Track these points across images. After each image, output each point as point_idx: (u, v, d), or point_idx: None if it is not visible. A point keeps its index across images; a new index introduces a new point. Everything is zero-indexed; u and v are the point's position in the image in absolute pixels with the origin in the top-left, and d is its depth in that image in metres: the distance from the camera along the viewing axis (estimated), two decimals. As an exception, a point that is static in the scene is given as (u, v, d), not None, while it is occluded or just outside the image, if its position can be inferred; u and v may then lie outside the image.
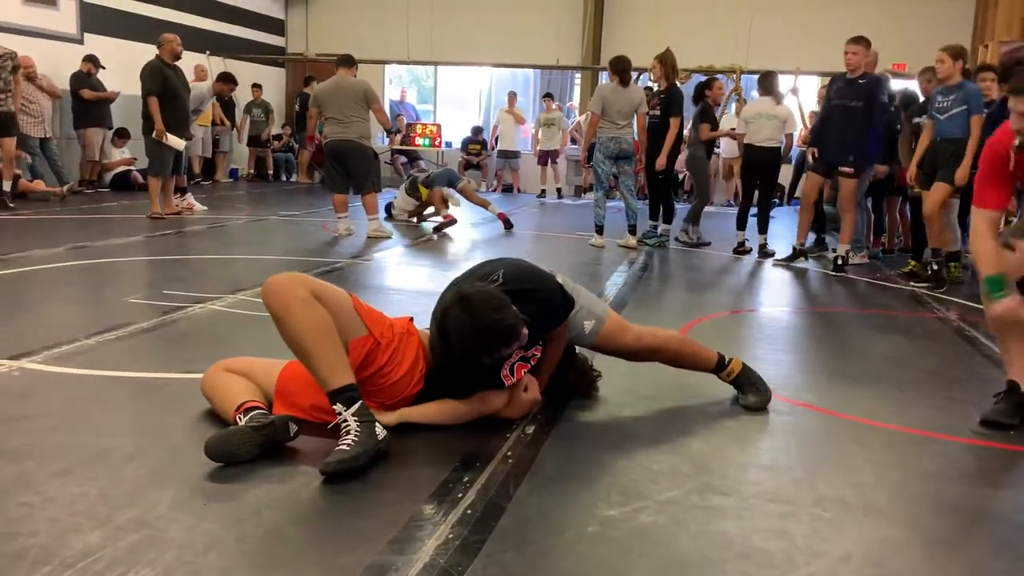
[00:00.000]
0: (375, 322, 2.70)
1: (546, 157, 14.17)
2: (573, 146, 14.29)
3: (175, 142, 8.42)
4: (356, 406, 2.45)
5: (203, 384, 2.87)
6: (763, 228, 7.78)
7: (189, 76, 9.69)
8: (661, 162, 7.85)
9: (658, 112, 7.91)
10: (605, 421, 3.08)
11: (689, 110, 8.41)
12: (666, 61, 7.88)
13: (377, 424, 2.49)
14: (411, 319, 2.92)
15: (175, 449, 2.57)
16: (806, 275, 6.89)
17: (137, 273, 5.90)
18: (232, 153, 14.16)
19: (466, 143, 15.13)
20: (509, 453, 2.64)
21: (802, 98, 10.72)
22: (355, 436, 2.41)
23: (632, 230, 7.86)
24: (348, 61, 7.89)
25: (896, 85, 8.72)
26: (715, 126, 8.43)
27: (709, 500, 2.37)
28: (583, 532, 2.15)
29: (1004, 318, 3.06)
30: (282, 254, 6.64)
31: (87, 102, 10.65)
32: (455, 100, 16.97)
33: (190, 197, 9.34)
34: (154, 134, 8.24)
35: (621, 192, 7.98)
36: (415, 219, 9.33)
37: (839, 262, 6.95)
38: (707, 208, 8.93)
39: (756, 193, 7.97)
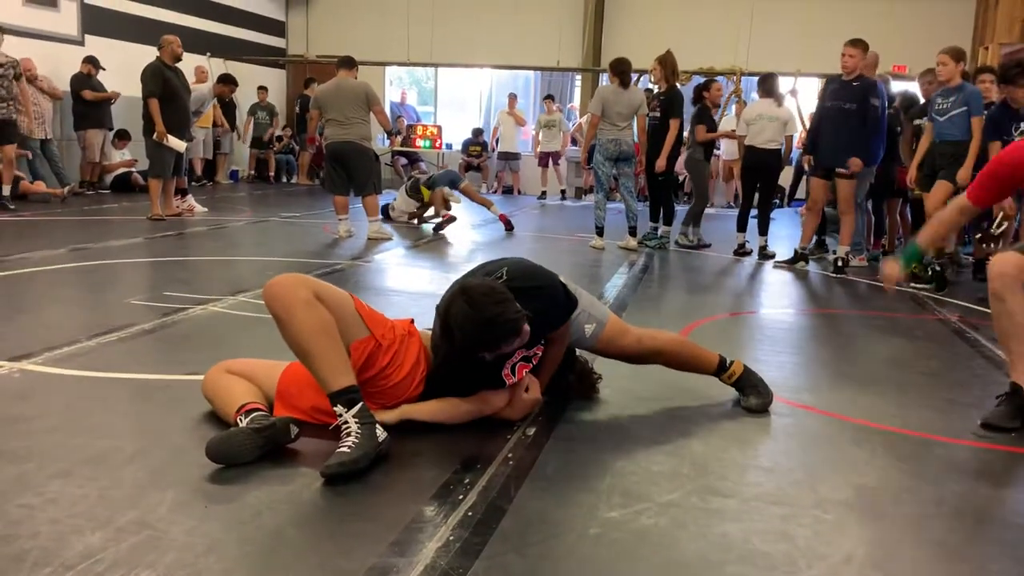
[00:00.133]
0: (377, 323, 2.71)
1: (546, 159, 14.18)
2: (573, 147, 14.30)
3: (176, 144, 8.43)
4: (357, 408, 2.45)
5: (204, 385, 2.87)
6: (763, 230, 7.78)
7: (189, 78, 9.69)
8: (661, 164, 7.85)
9: (658, 114, 7.92)
10: (606, 423, 3.07)
11: (689, 111, 8.41)
12: (666, 63, 7.88)
13: (378, 426, 2.48)
14: (412, 321, 2.93)
15: (176, 450, 2.57)
16: (806, 277, 6.89)
17: (138, 275, 5.89)
18: (233, 155, 14.17)
19: (466, 145, 15.14)
20: (510, 455, 2.64)
21: (801, 100, 10.72)
22: (356, 438, 2.40)
23: (632, 232, 7.86)
24: (349, 63, 7.89)
25: (897, 87, 8.72)
26: (712, 128, 8.42)
27: (710, 502, 2.36)
28: (584, 534, 2.14)
29: (886, 277, 3.47)
30: (283, 256, 6.64)
31: (87, 103, 10.65)
32: (455, 102, 16.98)
33: (191, 199, 9.34)
34: (155, 136, 8.25)
35: (621, 194, 7.98)
36: (415, 220, 9.33)
37: (839, 264, 6.95)
38: (707, 210, 8.93)
39: (756, 195, 7.97)
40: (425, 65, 15.80)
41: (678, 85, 8.12)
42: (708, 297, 6.06)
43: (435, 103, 16.73)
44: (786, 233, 9.33)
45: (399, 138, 13.99)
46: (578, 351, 3.26)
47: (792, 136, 8.31)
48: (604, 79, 11.56)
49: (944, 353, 4.46)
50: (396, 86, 16.90)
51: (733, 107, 12.32)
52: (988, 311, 5.47)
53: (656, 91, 8.24)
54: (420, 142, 15.11)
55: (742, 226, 7.92)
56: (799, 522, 2.26)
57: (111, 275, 5.67)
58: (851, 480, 2.58)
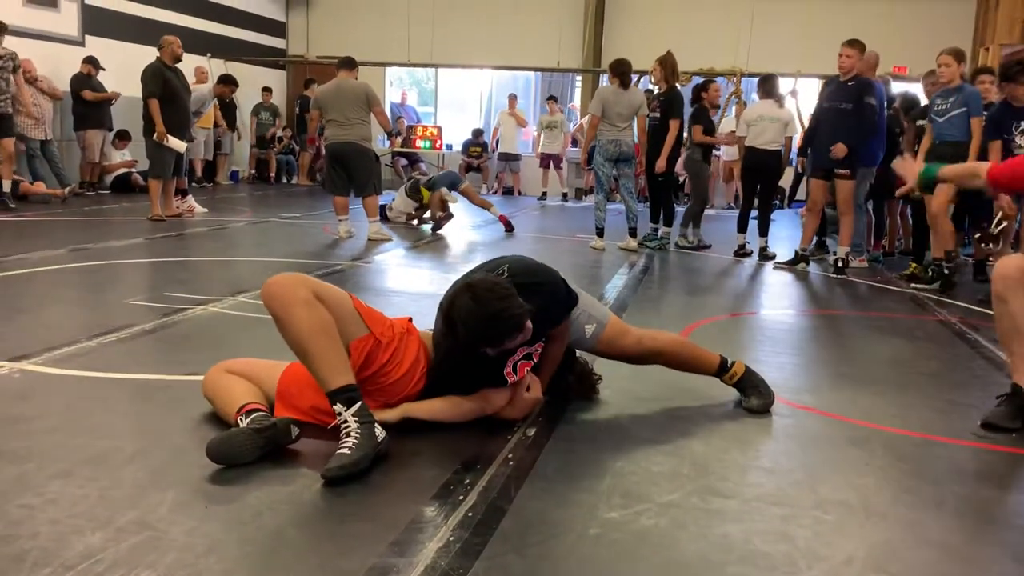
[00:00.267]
0: (375, 322, 2.71)
1: (548, 160, 14.17)
2: (574, 148, 14.30)
3: (176, 144, 8.43)
4: (356, 407, 2.45)
5: (204, 385, 2.87)
6: (764, 231, 7.78)
7: (189, 78, 9.69)
8: (661, 164, 7.85)
9: (658, 114, 7.92)
10: (606, 423, 3.07)
11: (689, 112, 8.42)
12: (666, 63, 7.88)
13: (376, 425, 2.48)
14: (410, 319, 2.93)
15: (176, 451, 2.57)
16: (807, 278, 6.89)
17: (138, 275, 5.90)
18: (233, 155, 14.18)
19: (467, 145, 15.14)
20: (510, 455, 2.64)
21: (802, 101, 10.72)
22: (355, 439, 2.40)
23: (632, 233, 7.86)
24: (349, 63, 7.89)
25: (897, 88, 8.72)
26: (709, 128, 8.41)
27: (710, 503, 2.36)
28: (584, 534, 2.14)
29: (903, 168, 3.54)
30: (283, 256, 6.64)
31: (87, 104, 10.65)
32: (456, 102, 16.99)
33: (191, 199, 9.34)
34: (155, 136, 8.25)
35: (621, 195, 7.98)
36: (414, 221, 9.33)
37: (839, 264, 6.96)
38: (707, 211, 8.93)
39: (757, 196, 7.97)
40: (425, 66, 15.81)
41: (678, 86, 8.12)
42: (708, 298, 6.06)
43: (435, 104, 16.74)
44: (786, 234, 9.34)
45: (399, 139, 13.99)
46: (578, 352, 3.26)
47: (792, 137, 8.32)
48: (604, 80, 11.56)
49: (944, 354, 4.46)
50: (396, 87, 16.91)
51: (733, 108, 12.32)
52: (988, 312, 5.48)
53: (656, 92, 8.24)
54: (420, 143, 15.11)
55: (742, 227, 7.92)
56: (800, 523, 2.26)
57: (111, 275, 5.67)
58: (851, 481, 2.58)
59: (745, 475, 2.61)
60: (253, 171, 14.64)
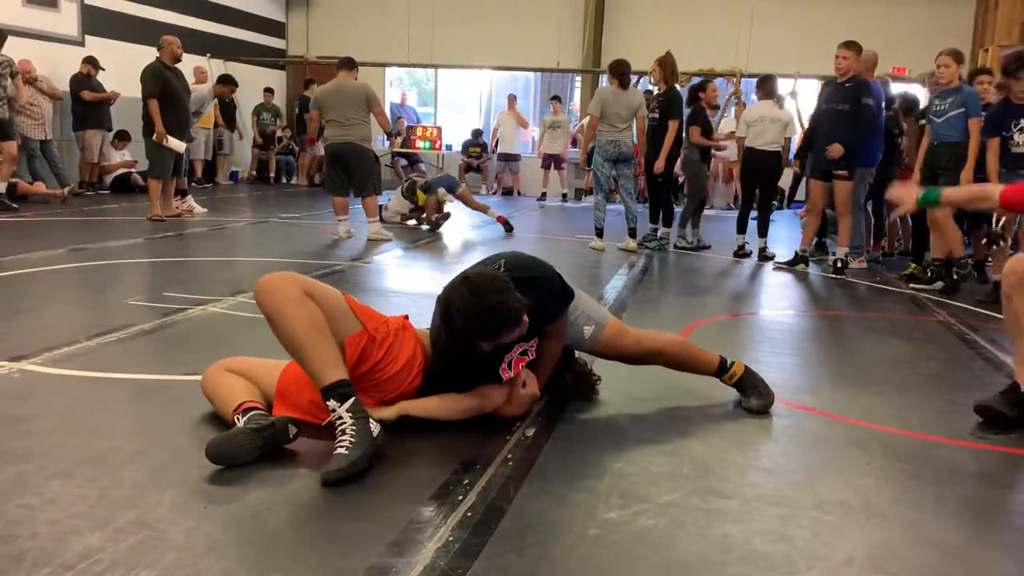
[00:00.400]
0: (369, 318, 2.71)
1: (550, 161, 14.14)
2: (573, 149, 14.30)
3: (175, 144, 8.43)
4: (349, 402, 2.45)
5: (203, 383, 2.87)
6: (763, 231, 7.78)
7: (189, 78, 9.69)
8: (659, 165, 7.86)
9: (657, 115, 7.92)
10: (605, 423, 3.07)
11: (686, 113, 8.42)
12: (666, 64, 7.89)
13: (371, 420, 2.48)
14: (406, 317, 2.93)
15: (175, 451, 2.56)
16: (806, 278, 6.89)
17: (137, 275, 5.90)
18: (232, 155, 14.17)
19: (466, 146, 15.14)
20: (509, 455, 2.64)
21: (801, 102, 10.73)
22: (351, 436, 2.40)
23: (632, 233, 7.86)
24: (349, 64, 7.89)
25: (897, 88, 8.72)
26: (706, 129, 8.42)
27: (710, 503, 2.36)
28: (583, 535, 2.14)
29: (898, 198, 3.38)
30: (282, 256, 6.64)
31: (87, 104, 10.66)
32: (455, 103, 16.99)
33: (190, 199, 9.34)
34: (154, 136, 8.25)
35: (621, 195, 7.98)
36: (410, 221, 9.31)
37: (838, 265, 6.96)
38: (707, 211, 8.93)
39: (756, 196, 7.98)
40: (425, 66, 15.80)
41: (677, 86, 8.12)
42: (708, 298, 6.06)
43: (435, 104, 16.74)
44: (785, 235, 9.34)
45: (399, 139, 13.98)
46: (576, 353, 3.26)
47: (792, 138, 8.32)
48: (604, 80, 11.55)
49: (944, 354, 4.46)
50: (396, 87, 16.91)
51: (733, 109, 12.32)
52: (987, 313, 5.50)
53: (655, 92, 8.24)
54: (420, 143, 15.11)
55: (742, 228, 7.92)
56: (799, 523, 2.26)
57: (111, 275, 5.67)
58: (851, 481, 2.58)
59: (745, 475, 2.61)
60: (253, 171, 14.64)
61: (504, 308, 2.57)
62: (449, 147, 15.51)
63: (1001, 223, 6.18)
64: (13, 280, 5.18)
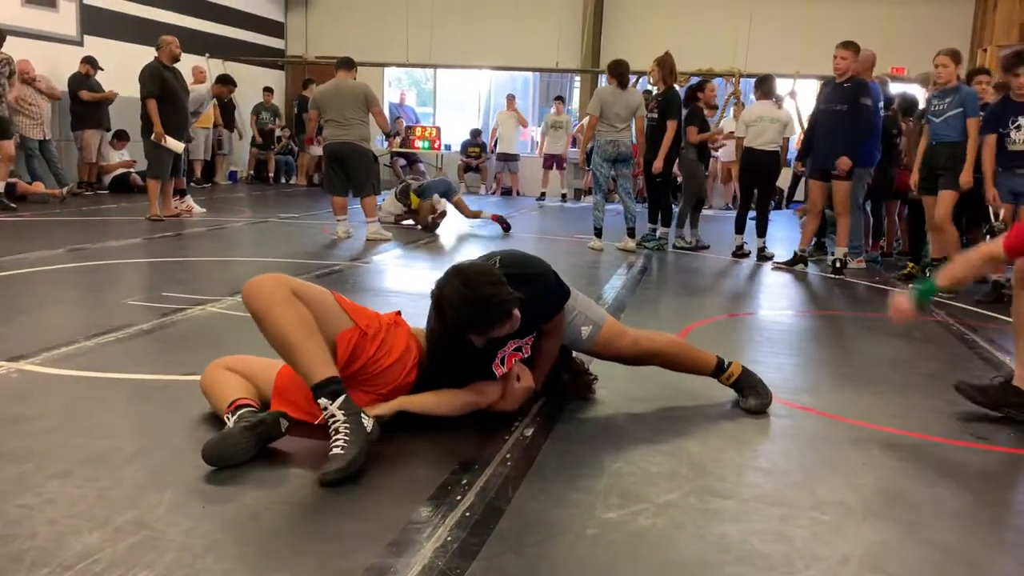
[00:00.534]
0: (360, 315, 2.72)
1: (552, 161, 14.12)
2: (573, 149, 14.29)
3: (174, 144, 8.42)
4: (340, 399, 2.45)
5: (202, 380, 2.88)
6: (762, 231, 7.79)
7: (188, 78, 9.69)
8: (658, 165, 7.86)
9: (656, 115, 7.92)
10: (604, 424, 3.08)
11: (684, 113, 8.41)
12: (665, 64, 7.89)
13: (364, 415, 2.48)
14: (398, 312, 2.93)
15: (174, 451, 2.57)
16: (805, 278, 6.89)
17: (136, 275, 5.89)
18: (231, 155, 14.17)
19: (465, 146, 15.14)
20: (508, 455, 2.64)
21: (800, 102, 10.73)
22: (346, 435, 2.40)
23: (631, 233, 7.86)
24: (348, 64, 7.89)
25: (895, 88, 8.73)
26: (703, 129, 8.42)
27: (708, 503, 2.37)
28: (582, 535, 2.14)
29: (897, 312, 3.21)
30: (281, 256, 6.64)
31: (85, 104, 10.65)
32: (454, 103, 16.99)
33: (189, 199, 9.33)
34: (153, 136, 8.24)
35: (620, 195, 7.98)
36: (405, 221, 9.30)
37: (837, 265, 6.96)
38: (705, 211, 8.93)
39: (755, 196, 7.98)
40: (424, 66, 15.81)
41: (676, 86, 8.12)
42: (706, 298, 6.06)
43: (434, 104, 16.74)
44: (784, 235, 9.34)
45: (398, 139, 13.98)
46: (574, 353, 3.26)
47: (791, 138, 8.32)
48: (603, 80, 11.57)
49: (943, 355, 4.46)
50: (395, 87, 16.91)
51: (732, 109, 12.32)
52: (986, 313, 5.51)
53: (654, 92, 8.24)
54: (419, 143, 15.11)
55: (740, 228, 7.92)
56: (797, 523, 2.27)
57: (110, 275, 5.67)
58: (849, 481, 2.58)
59: (743, 475, 2.61)
60: (251, 171, 14.63)
61: (496, 301, 2.58)
62: (448, 147, 15.51)
63: (1001, 217, 6.19)
64: (12, 280, 5.17)
